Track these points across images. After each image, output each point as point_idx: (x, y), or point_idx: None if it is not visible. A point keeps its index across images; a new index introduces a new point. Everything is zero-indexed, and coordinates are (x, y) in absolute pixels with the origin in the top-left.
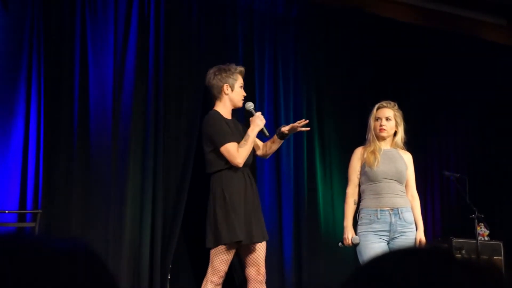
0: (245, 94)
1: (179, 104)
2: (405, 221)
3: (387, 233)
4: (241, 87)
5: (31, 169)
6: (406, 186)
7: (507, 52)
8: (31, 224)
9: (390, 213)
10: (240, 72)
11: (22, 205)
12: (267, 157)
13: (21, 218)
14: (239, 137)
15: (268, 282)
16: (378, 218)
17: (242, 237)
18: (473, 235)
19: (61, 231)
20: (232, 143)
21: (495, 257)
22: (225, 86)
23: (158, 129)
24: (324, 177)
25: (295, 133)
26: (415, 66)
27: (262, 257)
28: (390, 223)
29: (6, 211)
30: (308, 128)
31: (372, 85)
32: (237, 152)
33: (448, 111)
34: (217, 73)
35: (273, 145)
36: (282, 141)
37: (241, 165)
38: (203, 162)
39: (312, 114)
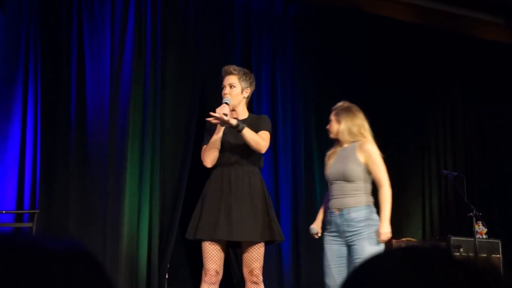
0: (225, 92)
1: (176, 103)
2: (352, 221)
3: (337, 234)
4: (222, 87)
5: (28, 169)
6: (373, 179)
7: (505, 50)
8: (29, 224)
9: (337, 215)
10: (223, 73)
11: (20, 205)
12: (256, 150)
13: (19, 218)
14: (229, 139)
15: (266, 281)
16: (329, 219)
17: (202, 235)
18: (471, 233)
19: (58, 231)
20: (204, 146)
21: (493, 255)
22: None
23: (156, 129)
24: (322, 175)
25: (293, 133)
26: (412, 65)
27: (254, 257)
28: (336, 224)
29: (3, 211)
30: (216, 120)
31: (369, 84)
32: (203, 154)
33: (446, 109)
34: None
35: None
36: (239, 132)
37: (207, 165)
38: (202, 163)
39: (310, 112)
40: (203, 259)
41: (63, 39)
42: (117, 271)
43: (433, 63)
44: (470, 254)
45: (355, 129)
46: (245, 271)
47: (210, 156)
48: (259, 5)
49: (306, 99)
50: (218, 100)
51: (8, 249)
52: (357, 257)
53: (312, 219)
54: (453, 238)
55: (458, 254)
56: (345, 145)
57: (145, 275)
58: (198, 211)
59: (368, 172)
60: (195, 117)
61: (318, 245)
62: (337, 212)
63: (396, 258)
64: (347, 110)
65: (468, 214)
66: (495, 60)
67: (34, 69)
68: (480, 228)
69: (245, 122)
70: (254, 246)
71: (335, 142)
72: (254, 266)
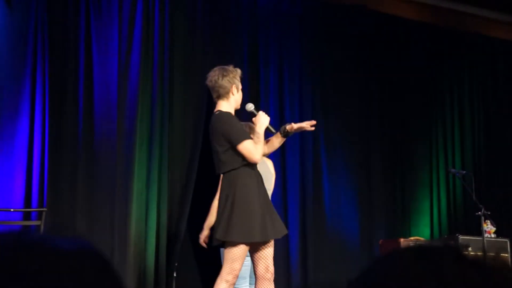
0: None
1: (184, 102)
2: None
3: None
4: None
5: (36, 168)
6: None
7: None
8: (37, 223)
9: None
10: (240, 74)
11: (28, 203)
12: (268, 154)
13: (27, 216)
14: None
15: (274, 279)
16: None
17: (258, 237)
18: (480, 232)
19: (66, 230)
20: (250, 140)
21: (501, 254)
22: (233, 87)
23: (163, 128)
24: (330, 173)
25: (300, 132)
26: (420, 63)
27: (271, 254)
28: None
29: (12, 209)
30: (313, 128)
31: (377, 81)
32: (255, 149)
33: (454, 107)
34: (225, 74)
35: (276, 142)
36: (285, 139)
37: (259, 161)
38: (210, 162)
39: (317, 110)
40: (233, 260)
41: (71, 38)
42: (125, 270)
43: (440, 61)
44: (479, 253)
45: None
46: (261, 268)
47: (262, 152)
48: (266, 4)
49: (314, 96)
50: None
51: (17, 247)
52: None
53: (320, 217)
54: (461, 237)
55: (467, 253)
56: None
57: (153, 274)
58: (242, 211)
59: None
60: (203, 116)
61: (325, 243)
62: None
63: (410, 256)
64: None
65: (476, 213)
66: (502, 58)
67: (42, 67)
68: (489, 227)
69: None
70: (270, 244)
71: None
72: (269, 262)
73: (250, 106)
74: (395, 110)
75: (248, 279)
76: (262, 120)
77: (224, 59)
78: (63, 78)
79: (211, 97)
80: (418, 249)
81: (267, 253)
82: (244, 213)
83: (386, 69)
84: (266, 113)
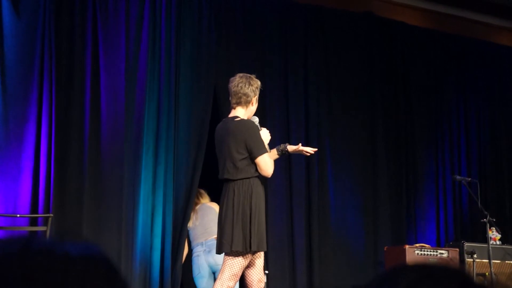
0: None
1: (190, 107)
2: None
3: None
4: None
5: (42, 173)
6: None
7: None
8: (43, 228)
9: None
10: (260, 86)
11: (34, 209)
12: None
13: (33, 222)
14: None
15: (280, 286)
16: None
17: (265, 246)
18: (485, 239)
19: (72, 235)
20: (267, 154)
21: (506, 261)
22: (254, 99)
23: (169, 134)
24: (335, 179)
25: (306, 135)
26: (426, 70)
27: (262, 265)
28: None
29: (18, 215)
30: (313, 153)
31: (383, 89)
32: (271, 164)
33: (459, 114)
34: (251, 82)
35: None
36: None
37: (270, 176)
38: (214, 167)
39: (323, 116)
40: (237, 266)
41: (78, 44)
42: (131, 275)
43: (446, 68)
44: (485, 260)
45: None
46: (255, 277)
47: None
48: (272, 11)
49: (319, 102)
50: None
51: (23, 252)
52: None
53: (325, 224)
54: (466, 244)
55: (471, 259)
56: None
57: (158, 279)
58: (255, 220)
59: None
60: (208, 122)
61: (330, 248)
62: None
63: (415, 276)
64: None
65: (482, 220)
66: (509, 65)
67: (48, 73)
68: (494, 234)
69: None
70: (262, 254)
71: None
72: (262, 273)
73: (256, 120)
74: (401, 117)
75: None
76: (266, 136)
77: (230, 66)
78: (70, 84)
79: (216, 103)
80: (424, 269)
81: (262, 263)
82: (259, 223)
83: (392, 76)
84: (271, 123)
